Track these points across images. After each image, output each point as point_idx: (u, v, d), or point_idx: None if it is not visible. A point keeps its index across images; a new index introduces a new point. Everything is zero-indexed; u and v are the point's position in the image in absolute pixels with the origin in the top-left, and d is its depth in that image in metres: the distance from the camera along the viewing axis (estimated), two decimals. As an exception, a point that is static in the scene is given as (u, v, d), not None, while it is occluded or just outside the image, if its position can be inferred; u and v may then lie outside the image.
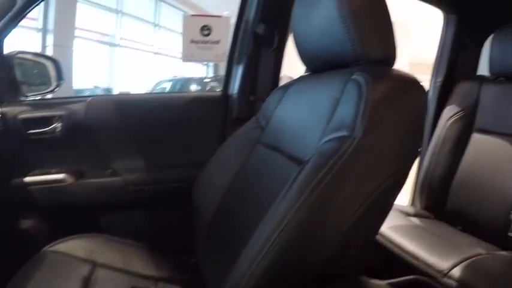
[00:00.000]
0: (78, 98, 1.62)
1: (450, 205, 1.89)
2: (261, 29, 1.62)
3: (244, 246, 0.87)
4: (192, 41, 1.65)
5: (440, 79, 2.14)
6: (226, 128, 1.68)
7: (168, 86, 9.48)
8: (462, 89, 1.96)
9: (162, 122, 1.65)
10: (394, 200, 0.92)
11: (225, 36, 1.70)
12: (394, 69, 0.92)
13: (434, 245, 1.56)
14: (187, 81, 9.38)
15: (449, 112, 1.94)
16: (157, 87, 9.72)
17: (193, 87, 8.98)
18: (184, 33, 1.66)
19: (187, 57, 1.66)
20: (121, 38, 12.24)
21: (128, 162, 1.59)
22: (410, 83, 0.89)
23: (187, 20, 1.67)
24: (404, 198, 2.27)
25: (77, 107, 1.53)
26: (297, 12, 1.11)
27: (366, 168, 0.82)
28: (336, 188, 0.80)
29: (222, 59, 1.73)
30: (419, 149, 0.94)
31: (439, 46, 2.18)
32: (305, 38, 1.09)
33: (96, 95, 1.94)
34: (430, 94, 2.17)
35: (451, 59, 2.12)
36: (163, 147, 1.65)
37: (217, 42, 1.67)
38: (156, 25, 13.67)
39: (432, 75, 2.19)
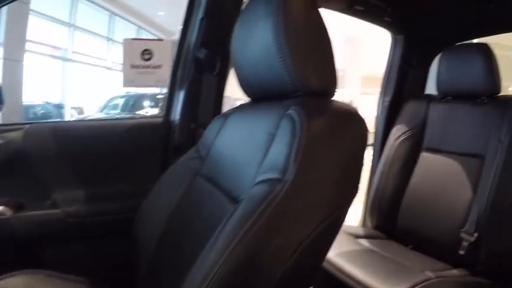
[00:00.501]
0: (14, 125, 1.54)
1: (401, 224, 1.90)
2: (202, 54, 1.57)
3: (183, 282, 0.82)
4: (133, 66, 1.60)
5: (388, 98, 2.17)
6: (168, 155, 1.63)
7: (120, 102, 9.32)
8: (410, 108, 1.98)
9: (102, 150, 1.59)
10: (335, 236, 0.88)
11: (167, 60, 1.65)
12: (333, 101, 0.88)
13: (383, 270, 1.55)
14: (140, 97, 9.18)
15: (398, 131, 1.96)
16: (110, 103, 9.55)
17: (147, 104, 8.83)
18: (125, 58, 1.61)
19: (127, 82, 1.61)
20: (73, 52, 11.97)
21: (68, 193, 1.52)
22: (349, 116, 0.86)
23: (127, 44, 1.62)
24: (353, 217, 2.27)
25: (14, 135, 1.46)
26: (236, 37, 1.05)
27: (300, 211, 0.78)
28: (267, 235, 0.75)
29: (163, 84, 1.67)
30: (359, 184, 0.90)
31: (387, 66, 2.21)
32: (243, 65, 1.03)
33: (34, 122, 1.85)
34: (379, 113, 2.19)
35: (399, 78, 2.16)
36: (104, 176, 1.59)
37: (158, 66, 1.63)
38: (109, 39, 13.44)
39: (380, 95, 2.22)
